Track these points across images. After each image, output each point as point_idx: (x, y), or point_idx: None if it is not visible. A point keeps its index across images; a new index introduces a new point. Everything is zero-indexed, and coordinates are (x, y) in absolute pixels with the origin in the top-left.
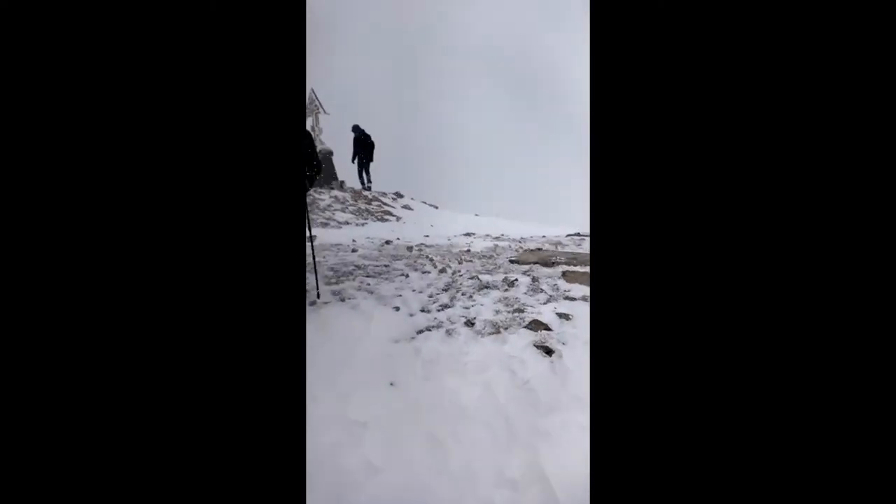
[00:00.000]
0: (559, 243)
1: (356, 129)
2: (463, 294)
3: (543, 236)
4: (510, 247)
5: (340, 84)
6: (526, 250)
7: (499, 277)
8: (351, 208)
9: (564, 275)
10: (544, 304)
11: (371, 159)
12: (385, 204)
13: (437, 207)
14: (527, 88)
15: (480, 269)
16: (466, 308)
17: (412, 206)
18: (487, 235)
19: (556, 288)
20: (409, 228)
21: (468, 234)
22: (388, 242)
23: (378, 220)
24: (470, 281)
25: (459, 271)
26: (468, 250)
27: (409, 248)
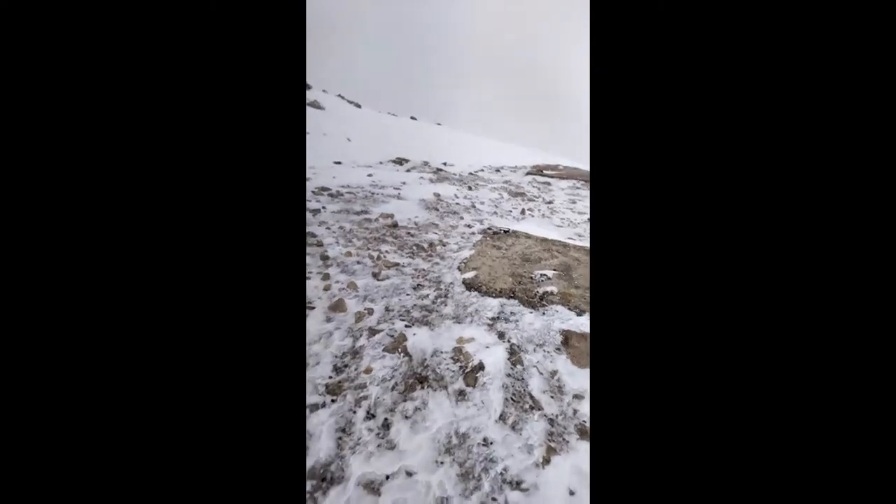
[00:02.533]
0: (553, 209)
1: None
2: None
3: (525, 171)
4: (467, 227)
5: (340, 84)
6: (492, 244)
7: (440, 342)
8: None
9: (567, 344)
10: (541, 465)
11: None
12: None
13: (359, 106)
14: (527, 88)
15: (405, 296)
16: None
17: (323, 104)
18: (427, 167)
19: (557, 392)
20: (312, 144)
21: (399, 162)
22: None
23: None
24: (369, 349)
25: (344, 312)
26: (394, 224)
27: None
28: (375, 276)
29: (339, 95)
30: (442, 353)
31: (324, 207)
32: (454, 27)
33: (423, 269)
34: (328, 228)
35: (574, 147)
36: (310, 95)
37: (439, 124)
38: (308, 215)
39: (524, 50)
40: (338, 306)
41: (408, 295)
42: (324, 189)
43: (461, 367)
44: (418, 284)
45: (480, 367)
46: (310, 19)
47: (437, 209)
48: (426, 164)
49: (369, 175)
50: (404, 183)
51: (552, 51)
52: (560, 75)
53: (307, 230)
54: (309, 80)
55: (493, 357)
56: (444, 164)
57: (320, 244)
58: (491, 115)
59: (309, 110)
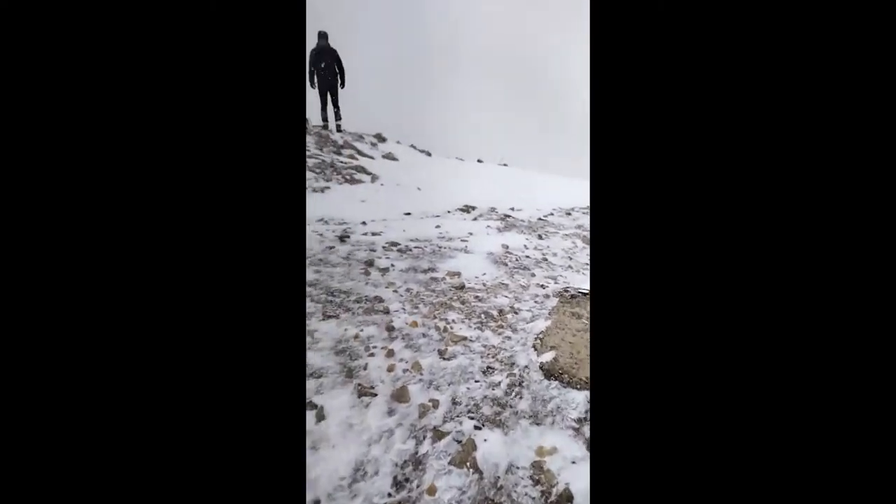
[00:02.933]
0: None
1: (323, 35)
2: None
3: (582, 210)
4: (540, 288)
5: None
6: (570, 310)
7: (516, 452)
8: (310, 162)
9: None
10: None
11: (342, 83)
12: (360, 153)
13: (430, 154)
14: (526, 88)
15: (474, 382)
16: None
17: (397, 156)
18: (495, 213)
19: None
20: (385, 197)
21: (467, 210)
22: (343, 239)
23: (346, 180)
24: (433, 460)
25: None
26: (461, 285)
27: (367, 268)
28: (441, 353)
29: (412, 145)
30: (518, 469)
31: (392, 265)
32: (526, 61)
33: (494, 346)
34: (395, 291)
35: None
36: (385, 147)
37: (505, 165)
38: (377, 274)
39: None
40: (401, 395)
41: (477, 382)
42: (393, 244)
43: (543, 492)
44: (488, 367)
45: (568, 497)
46: (384, 73)
47: (505, 264)
48: (493, 210)
49: (437, 227)
50: (471, 233)
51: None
52: None
53: (374, 294)
54: (385, 134)
55: (584, 481)
56: (512, 209)
57: (387, 311)
58: (557, 153)
59: (384, 162)
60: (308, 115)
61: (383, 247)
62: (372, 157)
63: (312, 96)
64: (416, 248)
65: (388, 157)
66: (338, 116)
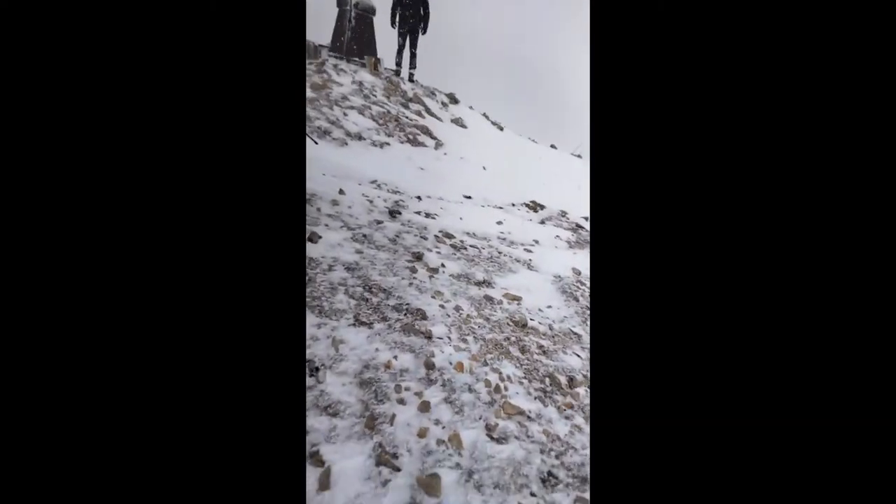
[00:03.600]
0: None
1: None
2: None
3: None
4: None
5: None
6: None
7: None
8: (374, 110)
9: None
10: None
11: (424, 29)
12: (428, 111)
13: (501, 129)
14: (527, 87)
15: (529, 497)
16: None
17: (466, 122)
18: (566, 220)
19: None
20: (447, 170)
21: (534, 208)
22: (394, 215)
23: (408, 139)
24: None
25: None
26: (523, 322)
27: (414, 262)
28: (490, 429)
29: (484, 114)
30: None
31: (443, 266)
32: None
33: (559, 439)
34: (442, 307)
35: None
36: (455, 111)
37: (579, 156)
38: (424, 274)
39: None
40: (431, 485)
41: (533, 497)
42: (448, 236)
43: None
44: (549, 473)
45: None
46: (453, 35)
47: (576, 298)
48: (564, 214)
49: (499, 222)
50: (537, 241)
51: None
52: None
53: (418, 304)
54: (459, 95)
55: None
56: (586, 218)
57: (429, 336)
58: None
59: (452, 128)
60: (381, 55)
61: (436, 235)
62: (440, 119)
63: (390, 38)
64: (471, 246)
65: (457, 122)
66: (412, 64)
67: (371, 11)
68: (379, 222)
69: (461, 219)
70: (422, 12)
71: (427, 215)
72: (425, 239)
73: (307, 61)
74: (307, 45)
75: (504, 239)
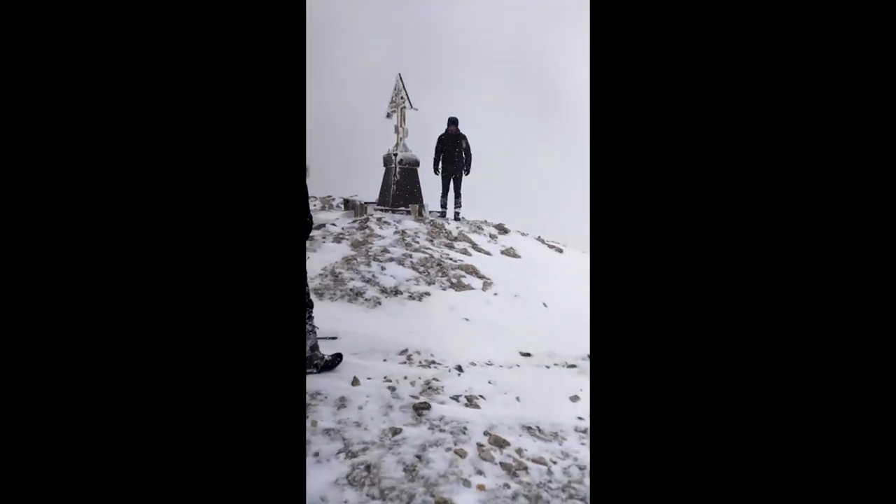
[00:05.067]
0: None
1: (454, 122)
2: None
3: None
4: None
5: (341, 83)
6: None
7: None
8: (416, 257)
9: None
10: None
11: (467, 170)
12: (474, 246)
13: (561, 251)
14: (526, 87)
15: None
16: None
17: (519, 252)
18: None
19: None
20: (497, 316)
21: None
22: (420, 412)
23: (451, 284)
24: None
25: None
26: None
27: None
28: None
29: (539, 238)
30: None
31: None
32: None
33: None
34: None
35: None
36: (505, 241)
37: None
38: None
39: None
40: None
41: None
42: (501, 444)
43: None
44: None
45: None
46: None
47: None
48: None
49: (574, 397)
50: None
51: None
52: None
53: None
54: (508, 224)
55: None
56: None
57: None
58: None
59: (502, 260)
60: (426, 202)
61: (479, 444)
62: (489, 254)
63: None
64: (535, 467)
65: (508, 253)
66: (457, 203)
67: (415, 164)
68: (398, 431)
69: (518, 400)
70: (463, 155)
71: (468, 403)
72: (461, 456)
73: (352, 219)
74: (354, 204)
75: (584, 430)
